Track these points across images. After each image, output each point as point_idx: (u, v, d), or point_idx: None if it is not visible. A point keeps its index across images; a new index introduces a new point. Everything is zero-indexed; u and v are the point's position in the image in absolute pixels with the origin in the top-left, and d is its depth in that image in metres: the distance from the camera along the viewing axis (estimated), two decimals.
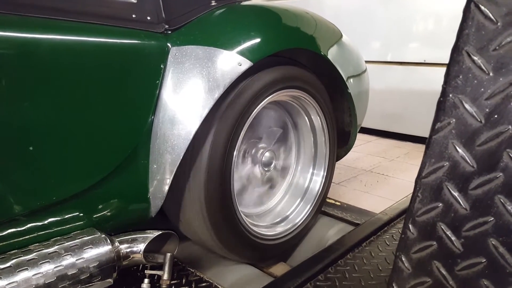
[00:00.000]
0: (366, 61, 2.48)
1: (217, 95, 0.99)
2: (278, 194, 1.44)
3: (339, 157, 1.71)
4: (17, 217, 0.81)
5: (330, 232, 1.53)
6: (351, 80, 1.47)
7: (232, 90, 1.07)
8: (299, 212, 1.39)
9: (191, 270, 1.22)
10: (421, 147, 2.92)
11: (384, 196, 1.99)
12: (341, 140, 1.64)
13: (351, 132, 1.65)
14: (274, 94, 1.17)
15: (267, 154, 1.33)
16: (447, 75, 0.59)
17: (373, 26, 3.12)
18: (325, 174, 1.43)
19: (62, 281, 0.80)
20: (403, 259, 0.64)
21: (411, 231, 0.63)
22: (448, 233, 0.59)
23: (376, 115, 3.27)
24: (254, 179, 1.36)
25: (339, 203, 1.83)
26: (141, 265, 1.21)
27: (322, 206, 1.51)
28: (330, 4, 3.37)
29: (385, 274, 1.16)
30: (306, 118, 1.39)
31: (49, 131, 0.83)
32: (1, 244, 0.80)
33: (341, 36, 1.53)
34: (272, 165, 1.37)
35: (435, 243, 0.61)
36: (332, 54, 1.35)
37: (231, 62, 1.02)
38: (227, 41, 1.04)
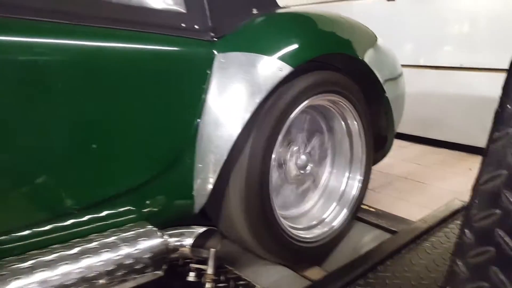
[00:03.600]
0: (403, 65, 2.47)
1: (258, 99, 1.04)
2: (314, 197, 1.46)
3: (375, 162, 1.71)
4: (80, 209, 0.89)
5: (366, 238, 1.53)
6: (388, 83, 1.48)
7: (272, 94, 1.11)
8: (335, 216, 1.41)
9: (229, 267, 1.26)
10: (458, 154, 2.86)
11: (420, 203, 1.96)
12: (377, 144, 1.64)
13: (388, 137, 1.65)
14: (312, 98, 1.21)
15: (302, 157, 1.37)
16: (505, 86, 0.60)
17: (405, 29, 3.09)
18: (361, 178, 1.44)
19: (120, 269, 0.86)
20: (459, 263, 0.65)
21: (468, 236, 0.64)
22: (506, 239, 0.60)
23: (410, 120, 3.20)
24: (290, 181, 1.39)
25: (373, 210, 1.82)
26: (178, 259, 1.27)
27: (358, 211, 1.52)
28: (360, 7, 3.37)
29: (427, 282, 1.14)
30: (342, 122, 1.42)
31: (108, 133, 0.90)
32: (66, 232, 0.88)
33: (376, 39, 1.55)
34: (307, 168, 1.40)
35: (493, 248, 0.62)
36: (369, 57, 1.37)
37: (272, 68, 1.07)
38: (268, 47, 1.10)
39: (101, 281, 0.84)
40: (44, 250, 0.83)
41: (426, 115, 3.13)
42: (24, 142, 0.80)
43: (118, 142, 0.93)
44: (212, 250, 1.03)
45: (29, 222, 0.83)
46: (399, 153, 2.94)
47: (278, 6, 1.32)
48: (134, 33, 0.94)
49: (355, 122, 1.40)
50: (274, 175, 1.30)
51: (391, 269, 1.20)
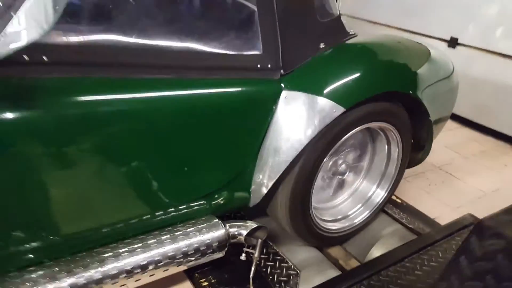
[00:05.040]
0: (469, 46, 2.51)
1: (312, 134, 1.28)
2: (344, 196, 1.75)
3: (410, 166, 1.90)
4: (174, 206, 1.25)
5: (386, 230, 1.82)
6: (435, 87, 1.63)
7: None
8: (358, 215, 1.71)
9: (271, 243, 1.64)
10: (502, 146, 2.94)
11: (444, 200, 2.18)
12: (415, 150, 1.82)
13: (426, 147, 1.82)
14: (363, 125, 1.42)
15: (343, 166, 1.62)
16: None
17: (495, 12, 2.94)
18: (387, 193, 1.70)
19: (195, 252, 1.25)
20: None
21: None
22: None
23: (464, 103, 3.22)
24: (328, 182, 1.67)
25: (399, 201, 2.07)
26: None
27: (378, 214, 1.80)
28: None
29: None
30: (386, 146, 1.63)
31: (198, 158, 1.22)
32: (161, 219, 1.25)
33: (429, 54, 1.66)
34: (345, 175, 1.66)
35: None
36: (420, 91, 1.52)
37: (327, 108, 1.28)
38: (325, 89, 1.29)
39: (180, 259, 1.23)
40: (147, 236, 1.21)
41: (480, 101, 3.12)
42: (147, 166, 1.14)
43: (204, 163, 1.25)
44: (260, 240, 1.39)
45: (141, 215, 1.20)
46: (444, 136, 2.99)
47: (346, 35, 1.45)
48: (218, 81, 1.18)
49: (397, 149, 1.61)
50: (319, 180, 1.58)
51: (391, 275, 1.46)
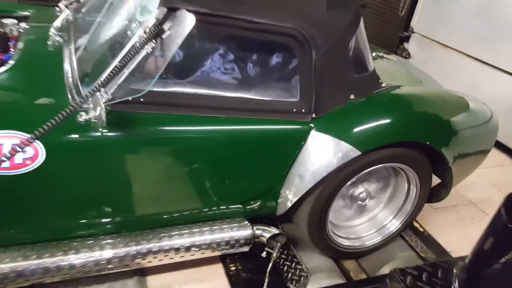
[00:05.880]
0: None
1: (330, 169, 1.58)
2: (363, 219, 2.01)
3: (430, 201, 2.08)
4: (217, 206, 1.66)
5: (399, 254, 2.05)
6: (458, 152, 1.82)
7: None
8: (370, 238, 1.96)
9: (292, 247, 1.97)
10: None
11: (467, 236, 2.28)
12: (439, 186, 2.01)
13: (447, 187, 2.00)
14: (382, 165, 1.68)
15: (363, 193, 1.88)
16: None
17: None
18: (400, 226, 1.93)
19: (226, 244, 1.64)
20: None
21: None
22: None
23: None
24: (349, 204, 1.95)
25: (421, 229, 2.25)
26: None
27: (390, 241, 2.03)
28: None
29: None
30: (406, 184, 1.86)
31: (241, 173, 1.60)
32: (204, 214, 1.66)
33: (466, 106, 1.83)
34: (365, 201, 1.92)
35: None
36: (443, 141, 1.72)
37: (345, 150, 1.57)
38: (346, 134, 1.58)
39: (214, 247, 1.64)
40: (193, 225, 1.64)
41: None
42: (204, 177, 1.55)
43: (244, 178, 1.63)
44: (279, 244, 1.74)
45: (193, 209, 1.63)
46: (493, 172, 2.99)
47: (377, 87, 1.71)
48: (261, 120, 1.53)
49: (416, 189, 1.83)
50: (340, 202, 1.89)
51: None
